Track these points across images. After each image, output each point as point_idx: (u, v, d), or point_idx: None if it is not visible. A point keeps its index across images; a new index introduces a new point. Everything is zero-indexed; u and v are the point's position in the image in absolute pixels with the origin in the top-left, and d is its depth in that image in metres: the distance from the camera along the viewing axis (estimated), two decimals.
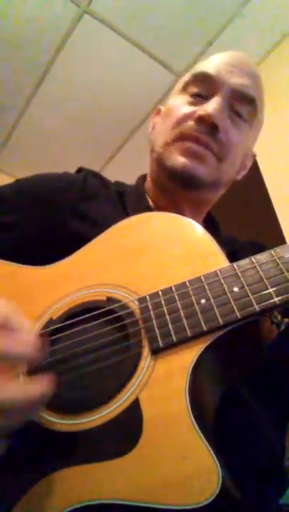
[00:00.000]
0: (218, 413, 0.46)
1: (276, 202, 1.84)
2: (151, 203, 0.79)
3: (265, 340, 0.52)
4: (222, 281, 0.48)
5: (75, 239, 0.60)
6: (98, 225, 0.62)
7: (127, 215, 0.67)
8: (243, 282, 0.47)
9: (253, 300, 0.45)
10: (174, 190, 0.75)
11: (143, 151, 0.98)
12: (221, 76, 0.74)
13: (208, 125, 0.71)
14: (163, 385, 0.43)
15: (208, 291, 0.47)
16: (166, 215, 0.59)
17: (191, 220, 0.57)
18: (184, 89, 0.78)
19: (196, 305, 0.47)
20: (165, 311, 0.48)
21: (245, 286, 0.46)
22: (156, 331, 0.47)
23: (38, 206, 0.69)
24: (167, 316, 0.47)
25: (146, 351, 0.46)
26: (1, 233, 0.67)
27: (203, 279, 0.49)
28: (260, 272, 0.47)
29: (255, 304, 0.45)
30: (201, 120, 0.71)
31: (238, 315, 0.45)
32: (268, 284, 0.46)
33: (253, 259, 0.49)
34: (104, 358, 0.48)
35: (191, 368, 0.43)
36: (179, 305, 0.48)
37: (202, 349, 0.44)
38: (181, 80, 0.82)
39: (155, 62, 2.12)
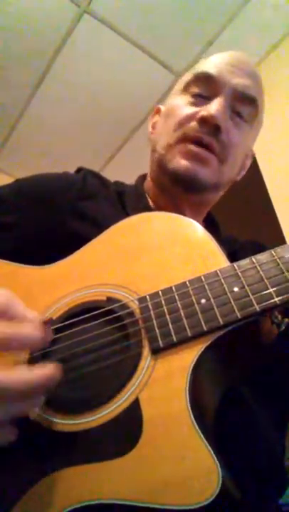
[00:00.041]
0: (218, 413, 0.46)
1: (276, 202, 1.84)
2: (151, 202, 0.79)
3: (266, 341, 0.52)
4: (222, 281, 0.48)
5: (75, 239, 0.60)
6: (98, 225, 0.62)
7: (127, 214, 0.67)
8: (244, 282, 0.47)
9: (253, 300, 0.45)
10: (175, 192, 0.75)
11: (143, 151, 0.98)
12: (222, 76, 0.74)
13: (211, 126, 0.71)
14: (163, 385, 0.43)
15: (208, 291, 0.47)
16: (166, 214, 0.59)
17: (191, 220, 0.57)
18: (185, 89, 0.78)
19: (196, 305, 0.47)
20: (165, 310, 0.48)
21: (246, 286, 0.46)
22: (157, 330, 0.47)
23: (37, 206, 0.69)
24: (167, 316, 0.47)
25: (146, 351, 0.46)
26: (1, 233, 0.67)
27: (203, 279, 0.49)
28: (261, 272, 0.47)
29: (255, 304, 0.45)
30: (204, 121, 0.71)
31: (239, 315, 0.45)
32: (268, 284, 0.46)
33: (254, 259, 0.49)
34: (105, 358, 0.48)
35: (191, 367, 0.43)
36: (179, 305, 0.48)
37: (202, 349, 0.44)
38: (182, 80, 0.81)
39: (155, 62, 2.12)
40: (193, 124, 0.72)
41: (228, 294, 0.47)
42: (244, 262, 0.49)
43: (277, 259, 0.47)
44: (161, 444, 0.40)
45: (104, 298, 0.52)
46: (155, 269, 0.53)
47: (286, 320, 0.55)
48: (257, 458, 0.57)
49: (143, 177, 0.86)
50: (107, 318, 0.50)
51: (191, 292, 0.48)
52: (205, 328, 0.45)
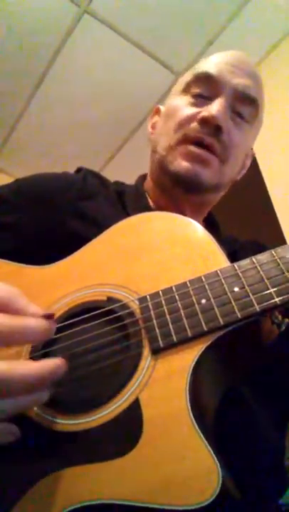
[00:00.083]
0: (218, 413, 0.46)
1: (276, 202, 1.84)
2: (151, 202, 0.79)
3: (266, 341, 0.52)
4: (223, 281, 0.48)
5: (75, 239, 0.60)
6: (98, 225, 0.62)
7: (127, 214, 0.67)
8: (244, 282, 0.47)
9: (253, 300, 0.45)
10: (176, 192, 0.75)
11: (143, 151, 0.98)
12: (222, 76, 0.74)
13: (212, 127, 0.71)
14: (163, 385, 0.43)
15: (208, 291, 0.47)
16: (166, 214, 0.59)
17: (191, 219, 0.57)
18: (185, 89, 0.78)
19: (196, 305, 0.47)
20: (165, 310, 0.48)
21: (246, 287, 0.46)
22: (157, 330, 0.47)
23: (37, 206, 0.69)
24: (168, 316, 0.47)
25: (146, 351, 0.46)
26: (1, 233, 0.67)
27: (203, 279, 0.49)
28: (261, 272, 0.47)
29: (255, 304, 0.45)
30: (205, 122, 0.71)
31: (239, 315, 0.45)
32: (268, 284, 0.46)
33: (254, 260, 0.49)
34: (105, 358, 0.48)
35: (191, 368, 0.43)
36: (180, 305, 0.48)
37: (202, 349, 0.44)
38: (182, 80, 0.81)
39: (155, 62, 2.12)
40: (194, 124, 0.72)
41: (229, 294, 0.46)
42: (244, 262, 0.49)
43: (278, 260, 0.47)
44: (162, 444, 0.40)
45: (105, 298, 0.52)
46: (155, 269, 0.53)
47: (286, 320, 0.55)
48: (257, 458, 0.57)
49: (143, 177, 0.86)
50: (108, 318, 0.50)
51: (192, 292, 0.48)
52: (205, 329, 0.45)
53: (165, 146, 0.75)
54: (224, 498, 0.36)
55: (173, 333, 0.46)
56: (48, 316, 0.40)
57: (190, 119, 0.73)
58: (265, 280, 0.46)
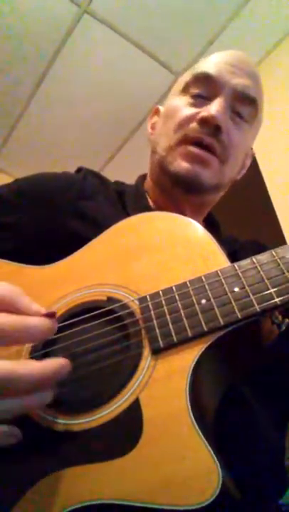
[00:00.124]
0: (218, 413, 0.46)
1: (276, 202, 1.84)
2: (151, 202, 0.79)
3: (266, 341, 0.52)
4: (223, 281, 0.48)
5: (75, 238, 0.60)
6: (98, 225, 0.62)
7: (127, 214, 0.67)
8: (244, 282, 0.47)
9: (253, 300, 0.45)
10: (176, 192, 0.75)
11: (143, 151, 0.98)
12: (222, 76, 0.73)
13: (212, 127, 0.71)
14: (163, 385, 0.43)
15: (208, 292, 0.47)
16: (166, 214, 0.59)
17: (191, 219, 0.57)
18: (185, 89, 0.78)
19: (196, 305, 0.47)
20: (166, 311, 0.48)
21: (246, 287, 0.46)
22: (157, 330, 0.47)
23: (37, 206, 0.69)
24: (168, 316, 0.47)
25: (146, 351, 0.46)
26: (1, 233, 0.67)
27: (203, 279, 0.49)
28: (261, 273, 0.47)
29: (256, 305, 0.45)
30: (205, 122, 0.71)
31: (239, 315, 0.45)
32: (268, 284, 0.46)
33: (254, 260, 0.49)
34: (105, 358, 0.48)
35: (191, 368, 0.43)
36: (180, 305, 0.48)
37: (203, 349, 0.44)
38: (181, 80, 0.81)
39: (155, 62, 2.12)
40: (194, 125, 0.72)
41: (229, 294, 0.46)
42: (245, 262, 0.49)
43: (278, 260, 0.47)
44: (162, 444, 0.40)
45: (105, 298, 0.52)
46: (155, 269, 0.53)
47: (286, 320, 0.55)
48: (257, 458, 0.57)
49: (143, 177, 0.86)
50: (108, 318, 0.50)
51: (192, 292, 0.48)
52: (205, 329, 0.45)
53: (165, 146, 0.75)
54: (224, 498, 0.36)
55: (173, 333, 0.46)
56: (50, 315, 0.40)
57: (189, 119, 0.73)
58: (266, 280, 0.46)
